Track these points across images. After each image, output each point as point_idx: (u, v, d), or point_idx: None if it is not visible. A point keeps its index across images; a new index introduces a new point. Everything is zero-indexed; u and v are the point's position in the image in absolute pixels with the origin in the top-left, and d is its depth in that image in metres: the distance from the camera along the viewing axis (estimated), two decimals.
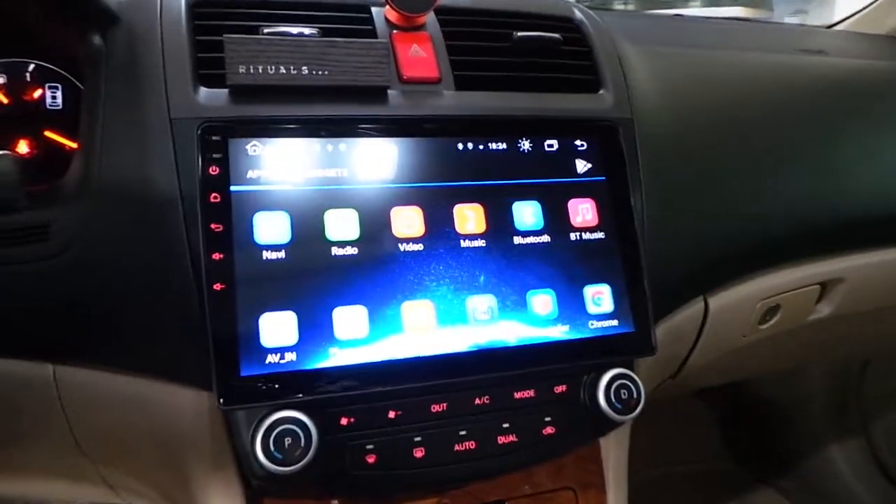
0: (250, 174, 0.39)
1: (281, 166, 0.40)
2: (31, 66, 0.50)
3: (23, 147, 0.50)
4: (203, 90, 0.41)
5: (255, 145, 0.40)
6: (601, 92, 0.50)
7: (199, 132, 0.39)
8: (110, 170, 0.39)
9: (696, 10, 2.59)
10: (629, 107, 0.50)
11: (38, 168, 0.50)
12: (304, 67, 0.41)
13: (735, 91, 0.60)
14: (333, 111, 0.42)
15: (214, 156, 0.39)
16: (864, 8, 0.97)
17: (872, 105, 0.67)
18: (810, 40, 0.79)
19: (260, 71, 0.40)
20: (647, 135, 0.50)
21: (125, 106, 0.40)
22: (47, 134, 0.50)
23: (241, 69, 0.40)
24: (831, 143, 0.62)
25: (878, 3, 0.93)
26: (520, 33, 0.48)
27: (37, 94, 0.50)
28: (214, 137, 0.39)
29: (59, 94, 0.50)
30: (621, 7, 3.00)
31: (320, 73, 0.41)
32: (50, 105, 0.50)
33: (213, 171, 0.39)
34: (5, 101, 0.49)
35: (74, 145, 0.50)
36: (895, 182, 0.63)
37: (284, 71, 0.40)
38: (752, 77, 0.62)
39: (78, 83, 0.50)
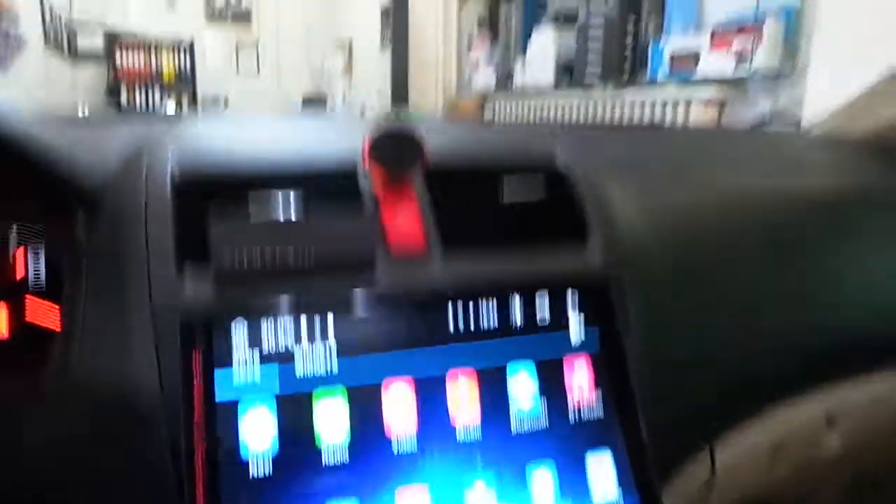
0: (235, 363, 0.38)
1: (266, 351, 0.39)
2: (14, 228, 0.49)
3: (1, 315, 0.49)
4: (187, 273, 0.40)
5: (239, 328, 0.39)
6: (590, 245, 0.50)
7: (181, 318, 0.38)
8: (88, 363, 0.38)
9: (673, 91, 2.69)
10: (618, 256, 0.50)
11: (16, 341, 0.49)
12: (290, 249, 0.40)
13: (724, 223, 0.60)
14: (318, 290, 0.41)
15: (197, 346, 0.38)
16: (839, 110, 1.00)
17: (860, 223, 0.67)
18: (792, 154, 0.81)
19: (245, 255, 0.39)
20: (639, 282, 0.50)
21: (106, 291, 0.40)
22: (28, 299, 0.49)
23: (226, 254, 0.39)
24: (826, 266, 0.62)
25: (853, 104, 0.96)
26: (506, 192, 0.49)
27: (15, 261, 0.49)
28: (197, 324, 0.38)
29: (39, 260, 0.50)
30: (599, 91, 3.09)
31: (306, 254, 0.41)
32: (33, 273, 0.50)
33: (196, 363, 0.38)
34: None
35: (54, 314, 0.49)
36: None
37: (270, 255, 0.40)
38: (742, 206, 0.63)
39: (60, 244, 0.49)
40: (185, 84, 6.30)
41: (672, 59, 2.63)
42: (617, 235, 0.51)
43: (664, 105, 2.73)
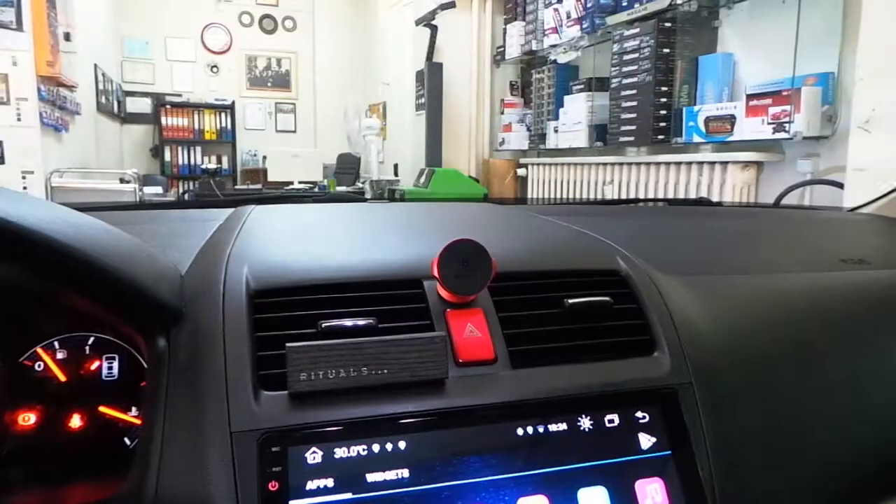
0: (310, 486, 0.38)
1: (341, 474, 0.39)
2: (91, 339, 0.51)
3: (76, 421, 0.50)
4: (264, 395, 0.40)
5: (314, 452, 0.39)
6: (656, 354, 0.49)
7: (258, 443, 0.38)
8: (167, 486, 0.38)
9: (708, 153, 2.69)
10: (686, 366, 0.49)
11: (90, 442, 0.50)
12: (364, 368, 0.41)
13: (798, 323, 0.59)
14: (392, 409, 0.41)
15: (274, 469, 0.38)
16: (889, 193, 0.99)
17: None
18: (853, 238, 0.79)
19: (321, 377, 0.40)
20: (708, 393, 0.49)
21: (186, 412, 0.40)
22: (102, 409, 0.50)
23: (303, 376, 0.40)
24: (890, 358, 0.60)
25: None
26: (571, 300, 0.49)
27: (94, 366, 0.51)
28: (274, 448, 0.38)
29: (115, 364, 0.51)
30: (633, 153, 3.10)
31: (379, 372, 0.41)
32: (106, 376, 0.51)
33: (273, 486, 0.38)
34: (63, 378, 0.50)
35: (127, 417, 0.50)
36: None
37: (344, 374, 0.40)
38: (815, 301, 0.61)
39: (136, 353, 0.51)
40: (225, 142, 6.55)
41: (707, 122, 2.64)
42: (683, 347, 0.50)
43: (700, 166, 2.73)
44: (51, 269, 0.36)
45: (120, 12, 6.03)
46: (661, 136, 2.91)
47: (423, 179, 4.06)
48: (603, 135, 3.32)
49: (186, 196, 5.35)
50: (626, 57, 3.01)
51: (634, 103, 2.99)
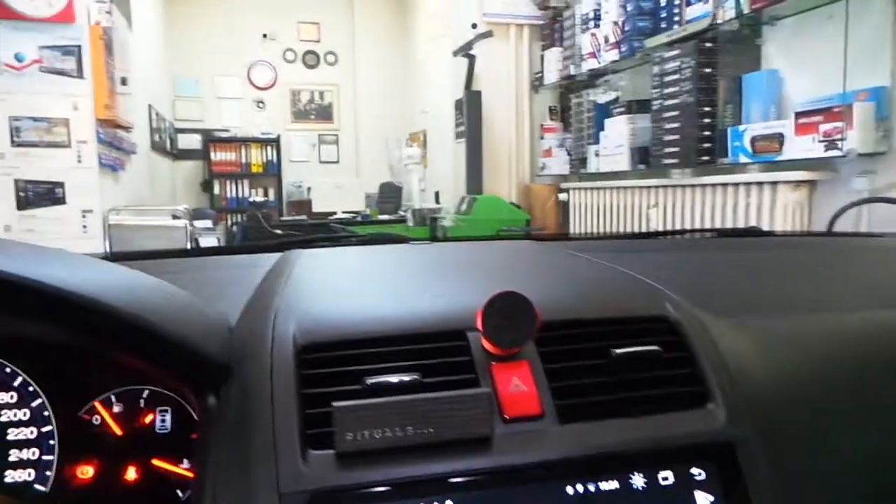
0: None
1: None
2: (146, 393, 0.52)
3: (131, 474, 0.51)
4: (311, 455, 0.41)
5: None
6: (710, 406, 0.47)
7: None
8: None
9: (756, 174, 2.62)
10: (743, 417, 0.47)
11: (144, 495, 0.51)
12: (410, 427, 0.40)
13: (853, 364, 0.56)
14: (439, 468, 0.41)
15: None
16: None
17: None
18: None
19: (367, 436, 0.40)
20: (768, 446, 0.47)
21: (235, 470, 0.41)
22: (156, 462, 0.51)
23: (349, 436, 0.40)
24: None
25: None
26: (617, 350, 0.47)
27: (148, 419, 0.52)
28: None
29: (168, 417, 0.52)
30: (677, 175, 3.04)
31: (425, 431, 0.41)
32: (159, 429, 0.52)
33: None
34: (119, 431, 0.51)
35: (179, 470, 0.51)
36: None
37: (391, 434, 0.40)
38: (867, 342, 0.58)
39: (188, 406, 0.52)
40: (272, 175, 6.75)
41: (754, 142, 2.58)
42: (740, 392, 0.48)
43: (748, 187, 2.66)
44: (107, 334, 0.38)
45: (172, 53, 6.32)
46: (705, 157, 2.85)
47: (464, 207, 4.08)
48: (645, 157, 3.27)
49: (234, 228, 5.51)
50: (666, 78, 2.98)
51: (677, 124, 2.95)
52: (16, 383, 0.50)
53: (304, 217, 5.51)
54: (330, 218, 5.47)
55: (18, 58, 2.95)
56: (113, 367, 0.50)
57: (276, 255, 0.76)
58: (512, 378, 0.45)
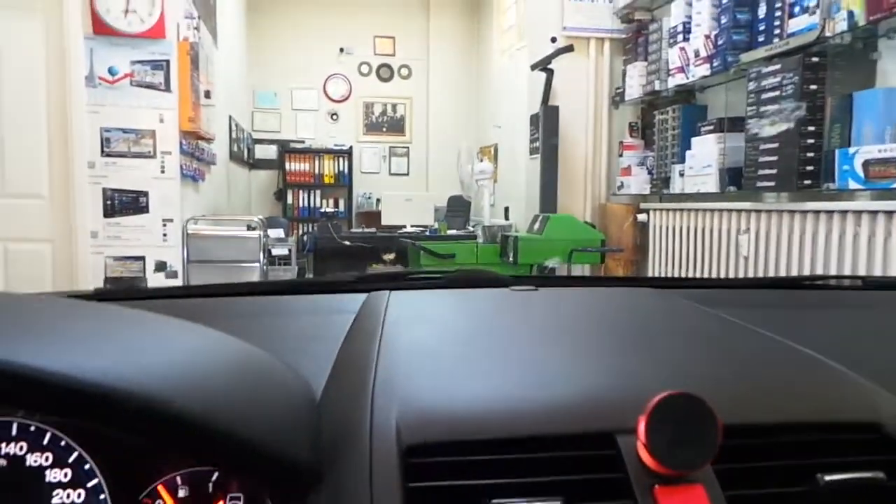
0: None
1: None
2: (215, 476, 0.44)
3: None
4: None
5: None
6: None
7: None
8: None
9: (868, 202, 2.38)
10: None
11: None
12: None
13: None
14: None
15: None
16: None
17: None
18: None
19: None
20: None
21: None
22: None
23: None
24: None
25: None
26: (827, 477, 0.35)
27: None
28: None
29: None
30: (773, 200, 2.80)
31: None
32: None
33: None
34: None
35: None
36: None
37: None
38: None
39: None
40: (342, 185, 6.82)
41: (867, 166, 2.34)
42: None
43: (857, 215, 2.42)
44: (165, 440, 0.29)
45: (253, 67, 6.51)
46: (807, 182, 2.61)
47: (537, 226, 3.94)
48: (737, 179, 3.05)
49: (305, 238, 5.57)
50: (764, 96, 2.77)
51: (775, 145, 2.72)
52: (70, 459, 0.42)
53: (373, 230, 5.51)
54: (399, 232, 5.45)
55: (112, 71, 3.06)
56: (179, 450, 0.42)
57: (359, 297, 0.67)
58: None
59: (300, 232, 6.54)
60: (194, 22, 3.50)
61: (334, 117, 7.05)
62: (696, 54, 3.22)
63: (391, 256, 5.45)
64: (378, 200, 6.85)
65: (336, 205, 6.87)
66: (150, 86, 3.06)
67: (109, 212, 3.09)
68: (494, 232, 4.30)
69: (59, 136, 3.00)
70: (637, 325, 0.57)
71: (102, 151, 3.04)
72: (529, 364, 0.46)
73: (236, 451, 0.32)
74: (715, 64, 3.10)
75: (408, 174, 7.22)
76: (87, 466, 0.42)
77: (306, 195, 6.81)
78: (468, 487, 0.34)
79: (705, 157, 3.23)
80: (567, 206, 4.18)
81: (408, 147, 7.21)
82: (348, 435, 0.38)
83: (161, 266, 3.19)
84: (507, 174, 5.66)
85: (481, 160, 4.95)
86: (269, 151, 6.80)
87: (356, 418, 0.38)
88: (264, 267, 3.61)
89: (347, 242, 5.38)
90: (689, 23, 3.30)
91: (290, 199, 6.73)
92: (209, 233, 3.45)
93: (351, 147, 6.86)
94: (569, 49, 3.82)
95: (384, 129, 7.19)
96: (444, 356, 0.48)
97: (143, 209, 3.12)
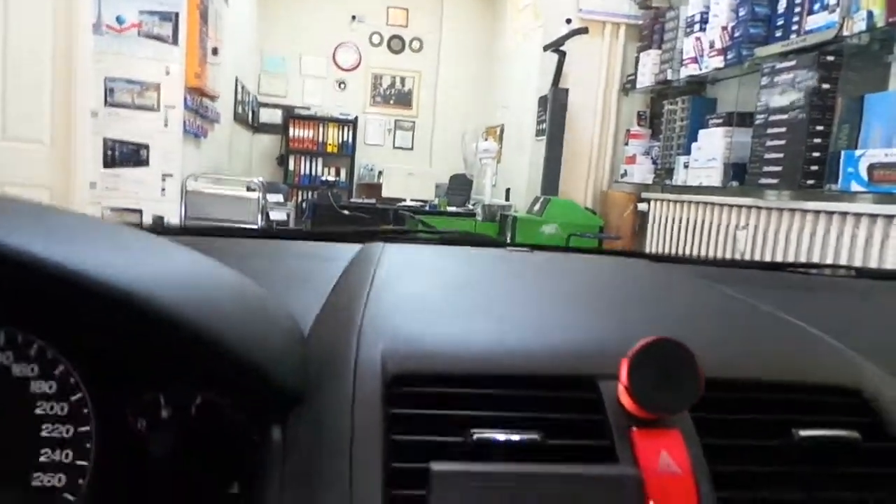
0: None
1: None
2: (199, 399, 0.45)
3: (172, 490, 0.43)
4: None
5: None
6: None
7: None
8: None
9: (869, 205, 2.37)
10: None
11: None
12: None
13: None
14: None
15: None
16: None
17: None
18: None
19: None
20: None
21: None
22: (200, 480, 0.43)
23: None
24: None
25: None
26: (802, 432, 0.36)
27: (197, 428, 0.44)
28: None
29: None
30: (774, 197, 2.81)
31: None
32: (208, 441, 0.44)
33: None
34: (164, 439, 0.44)
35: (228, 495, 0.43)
36: None
37: None
38: None
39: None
40: (345, 156, 6.79)
41: (871, 169, 2.33)
42: None
43: (857, 218, 2.42)
44: (160, 342, 0.29)
45: (263, 30, 6.43)
46: (810, 181, 2.61)
47: (537, 207, 3.94)
48: (740, 174, 3.04)
49: (304, 205, 5.56)
50: (776, 91, 2.75)
51: (783, 142, 2.71)
52: (56, 371, 0.42)
53: (373, 201, 5.50)
54: (399, 204, 5.44)
55: (119, 20, 3.02)
56: (166, 362, 0.43)
57: (354, 247, 0.67)
58: (660, 452, 0.34)
59: (299, 198, 6.52)
60: None
61: (342, 86, 6.98)
62: (711, 45, 3.19)
63: (389, 228, 5.45)
64: (380, 173, 6.83)
65: (338, 174, 6.84)
66: (157, 37, 3.03)
67: (109, 162, 3.07)
68: (494, 211, 4.30)
69: (62, 83, 2.96)
70: (628, 286, 0.57)
71: (106, 101, 3.01)
72: (518, 311, 0.46)
73: (222, 357, 0.32)
74: (729, 56, 3.07)
75: (412, 149, 7.18)
76: (72, 380, 0.42)
77: (308, 162, 6.77)
78: (449, 417, 0.35)
79: (711, 150, 3.21)
80: (569, 191, 4.17)
81: (414, 121, 7.16)
82: (334, 365, 0.38)
83: (158, 220, 3.18)
84: (512, 155, 5.63)
85: (486, 140, 4.93)
86: (274, 116, 6.75)
87: (342, 351, 0.39)
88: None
89: (346, 212, 5.37)
90: (707, 13, 3.26)
91: (291, 166, 6.70)
92: (209, 191, 3.44)
93: (356, 117, 6.81)
94: (583, 31, 3.78)
95: (391, 102, 7.13)
96: (434, 300, 0.49)
97: (144, 162, 3.10)
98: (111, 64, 3.01)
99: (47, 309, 0.37)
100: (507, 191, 5.80)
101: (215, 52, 3.51)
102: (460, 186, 6.15)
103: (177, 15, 3.03)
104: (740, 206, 3.03)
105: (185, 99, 3.17)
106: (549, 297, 0.50)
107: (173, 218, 3.21)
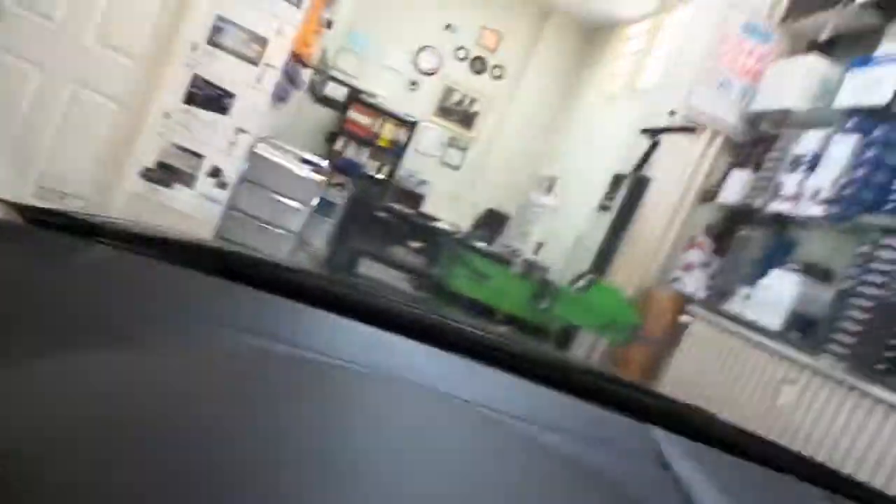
0: None
1: None
2: None
3: None
4: None
5: None
6: None
7: None
8: None
9: None
10: None
11: None
12: None
13: None
14: None
15: None
16: None
17: None
18: None
19: None
20: None
21: None
22: None
23: None
24: None
25: None
26: None
27: None
28: None
29: None
30: (831, 365, 2.70)
31: None
32: None
33: None
34: None
35: None
36: None
37: None
38: None
39: None
40: (394, 155, 6.66)
41: None
42: None
43: None
44: None
45: (357, 8, 6.33)
46: (884, 366, 2.52)
47: (581, 283, 3.83)
48: (804, 327, 2.95)
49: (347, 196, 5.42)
50: (873, 265, 2.66)
51: (868, 316, 2.62)
52: None
53: (412, 212, 5.38)
54: (432, 224, 5.32)
55: None
56: None
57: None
58: None
59: (334, 181, 6.38)
60: None
61: (413, 86, 6.88)
62: (817, 193, 3.11)
63: (417, 245, 5.33)
64: (422, 182, 6.70)
65: (379, 171, 6.71)
66: None
67: (189, 100, 2.93)
68: (535, 271, 4.18)
69: (173, 5, 2.83)
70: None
71: (210, 39, 2.88)
72: None
73: None
74: (832, 211, 2.99)
75: (458, 169, 7.09)
76: None
77: (355, 149, 6.65)
78: None
79: (780, 292, 3.12)
80: (615, 274, 4.07)
81: (469, 143, 7.07)
82: None
83: (215, 172, 3.04)
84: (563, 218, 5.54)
85: (548, 193, 4.83)
86: (338, 92, 6.62)
87: None
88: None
89: (383, 214, 5.24)
90: (820, 156, 3.19)
91: (338, 146, 6.57)
92: (274, 159, 3.30)
93: (416, 122, 6.71)
94: (690, 130, 3.70)
95: (454, 118, 7.04)
96: None
97: (223, 110, 2.96)
98: (227, 4, 2.89)
99: None
100: (538, 245, 5.69)
101: (329, 25, 3.40)
102: (492, 223, 6.03)
103: None
104: (793, 361, 2.92)
105: (286, 62, 3.04)
106: None
107: (231, 175, 3.07)
